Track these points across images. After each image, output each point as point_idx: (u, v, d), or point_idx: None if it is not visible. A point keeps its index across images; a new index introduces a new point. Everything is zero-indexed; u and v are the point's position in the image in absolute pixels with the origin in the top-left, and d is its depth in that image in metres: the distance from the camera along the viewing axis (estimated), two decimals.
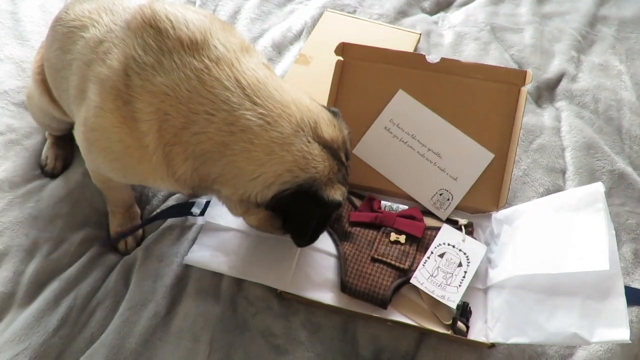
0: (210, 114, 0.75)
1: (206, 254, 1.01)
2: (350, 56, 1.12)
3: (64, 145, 1.18)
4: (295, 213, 0.81)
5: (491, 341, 0.91)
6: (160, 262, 1.03)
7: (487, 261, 1.02)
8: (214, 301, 0.99)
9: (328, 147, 0.81)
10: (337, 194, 0.82)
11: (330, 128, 0.82)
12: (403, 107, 1.10)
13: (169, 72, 0.76)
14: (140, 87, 0.75)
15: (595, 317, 0.77)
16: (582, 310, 0.79)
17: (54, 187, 1.12)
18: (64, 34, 0.87)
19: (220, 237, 1.05)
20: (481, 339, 0.93)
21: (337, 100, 1.13)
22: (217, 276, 1.01)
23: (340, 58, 1.13)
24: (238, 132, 0.75)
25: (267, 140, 0.75)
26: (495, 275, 0.98)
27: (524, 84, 1.06)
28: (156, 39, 0.77)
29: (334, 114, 0.88)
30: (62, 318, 0.95)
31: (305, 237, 0.88)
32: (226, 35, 0.81)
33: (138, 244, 1.09)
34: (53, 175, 1.16)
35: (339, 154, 0.84)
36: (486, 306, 0.97)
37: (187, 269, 1.03)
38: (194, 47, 0.77)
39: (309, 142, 0.78)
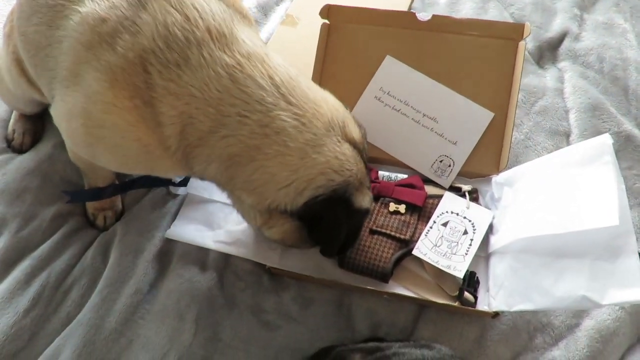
0: (243, 116, 0.69)
1: (190, 228, 0.96)
2: (337, 19, 1.06)
3: (34, 119, 1.10)
4: (327, 221, 0.75)
5: (494, 309, 0.87)
6: (141, 237, 0.98)
7: (488, 227, 0.97)
8: (200, 277, 0.94)
9: (357, 147, 0.77)
10: (365, 200, 0.78)
11: (356, 128, 0.79)
12: (393, 74, 1.04)
13: (197, 70, 0.68)
14: (163, 88, 0.68)
15: (606, 278, 0.73)
16: (591, 272, 0.75)
17: (22, 160, 1.05)
18: (50, 7, 0.75)
19: (204, 209, 1.00)
20: (484, 308, 0.89)
21: (324, 68, 1.06)
22: (203, 250, 0.96)
23: (326, 21, 1.06)
24: (273, 134, 0.70)
25: (302, 143, 0.71)
26: (497, 241, 0.93)
27: (521, 38, 1.00)
28: (183, 28, 0.69)
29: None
30: (34, 297, 0.90)
31: (334, 248, 0.83)
32: (248, 29, 0.75)
33: (118, 219, 1.03)
34: (21, 151, 1.08)
35: (365, 154, 0.80)
36: (488, 274, 0.93)
37: (170, 243, 0.98)
38: (224, 40, 0.70)
39: (339, 142, 0.74)
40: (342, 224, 0.78)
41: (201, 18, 0.70)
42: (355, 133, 0.78)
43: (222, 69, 0.69)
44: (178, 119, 0.70)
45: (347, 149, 0.74)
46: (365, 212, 0.80)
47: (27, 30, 0.80)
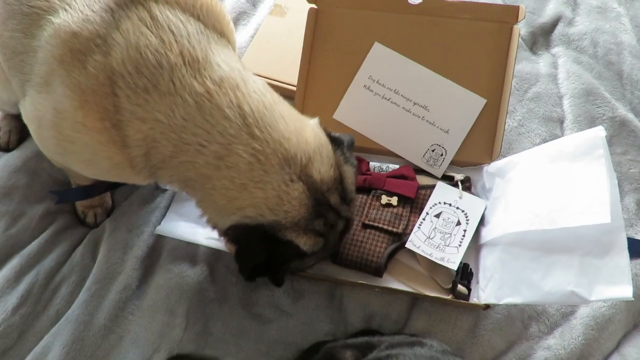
0: (202, 145, 0.70)
1: (180, 224, 0.95)
2: (324, 2, 1.03)
3: (20, 117, 1.07)
4: (244, 245, 0.75)
5: (483, 302, 0.87)
6: (130, 233, 0.97)
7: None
8: (190, 271, 0.94)
9: (314, 188, 0.73)
10: (301, 240, 0.74)
11: (324, 166, 0.74)
12: (381, 61, 1.02)
13: (165, 96, 0.68)
14: (130, 113, 0.69)
15: (594, 274, 0.73)
16: (580, 267, 0.75)
17: (9, 158, 1.04)
18: (25, 14, 0.73)
19: (195, 205, 0.97)
20: (473, 300, 0.88)
21: (312, 57, 1.04)
22: (193, 245, 0.95)
23: (313, 6, 1.03)
24: (224, 168, 0.70)
25: (247, 180, 0.70)
26: (488, 233, 0.92)
27: (516, 21, 0.98)
28: (157, 52, 0.68)
29: (338, 142, 0.79)
30: (23, 295, 0.90)
31: (244, 272, 0.80)
32: (226, 50, 0.74)
33: (108, 215, 1.02)
34: (7, 150, 1.07)
35: (326, 197, 0.75)
36: (478, 266, 0.92)
37: (159, 238, 0.97)
38: (196, 65, 0.69)
39: (292, 180, 0.71)
40: (256, 252, 0.75)
41: (176, 41, 0.69)
42: (319, 172, 0.73)
43: (190, 96, 0.68)
44: (143, 142, 0.71)
45: (296, 189, 0.71)
46: (296, 251, 0.74)
47: (3, 33, 0.79)
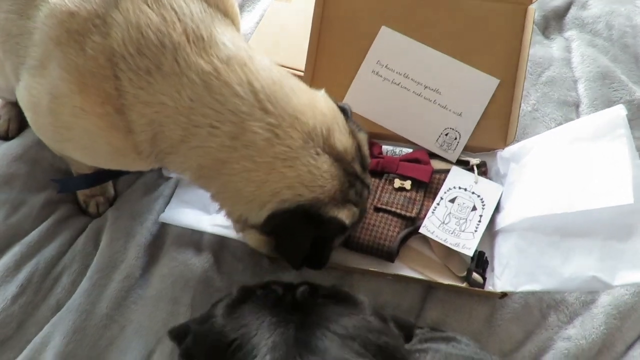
0: (214, 127, 0.66)
1: (185, 211, 0.93)
2: None
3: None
4: (288, 233, 0.70)
5: (499, 290, 0.83)
6: (133, 221, 0.95)
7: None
8: (195, 259, 0.91)
9: (340, 159, 0.70)
10: (342, 214, 0.71)
11: (344, 136, 0.72)
12: (390, 45, 0.99)
13: (169, 77, 0.65)
14: (133, 96, 0.66)
15: (617, 258, 0.70)
16: (602, 252, 0.71)
17: (9, 146, 1.02)
18: None
19: (199, 192, 0.93)
20: (488, 288, 0.85)
21: (320, 42, 1.01)
22: (197, 232, 0.92)
23: None
24: (241, 147, 0.66)
25: (271, 158, 0.66)
26: (503, 219, 0.89)
27: (530, 2, 0.95)
28: (159, 31, 0.65)
29: (345, 112, 0.77)
30: (23, 284, 0.87)
31: (295, 260, 0.76)
32: (230, 29, 0.71)
33: (110, 204, 0.99)
34: (7, 138, 1.05)
35: (353, 166, 0.73)
36: (493, 253, 0.88)
37: (163, 226, 0.95)
38: (201, 44, 0.66)
39: (317, 154, 0.68)
40: (304, 236, 0.72)
41: (179, 20, 0.66)
42: (341, 142, 0.71)
43: (197, 75, 0.65)
44: (149, 127, 0.67)
45: (324, 162, 0.68)
46: (340, 227, 0.72)
47: None
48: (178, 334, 0.60)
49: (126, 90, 0.65)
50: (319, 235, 0.72)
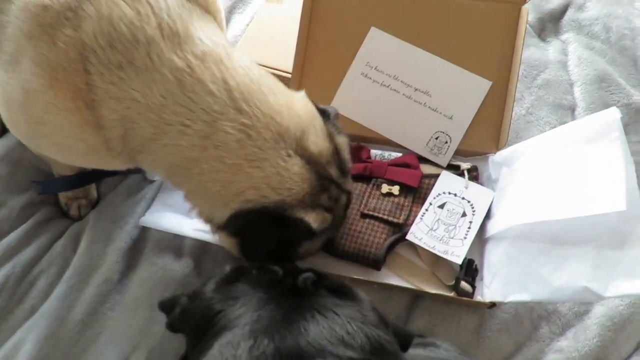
0: (185, 125, 0.65)
1: (166, 215, 0.90)
2: None
3: None
4: (252, 234, 0.69)
5: (487, 300, 0.80)
6: (113, 224, 0.93)
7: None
8: (175, 264, 0.89)
9: (313, 162, 0.68)
10: (310, 217, 0.69)
11: (320, 139, 0.70)
12: (379, 47, 0.97)
13: (141, 72, 0.64)
14: (104, 92, 0.64)
15: (610, 268, 0.67)
16: (595, 261, 0.69)
17: None
18: None
19: (182, 195, 0.93)
20: (477, 297, 0.82)
21: (308, 44, 0.99)
22: (178, 237, 0.90)
23: None
24: (211, 148, 0.65)
25: (240, 159, 0.65)
26: (493, 226, 0.86)
27: (524, 1, 0.92)
28: (132, 24, 0.63)
29: (326, 114, 0.75)
30: None
31: (252, 256, 0.73)
32: (210, 26, 0.70)
33: (93, 207, 0.97)
34: None
35: (328, 170, 0.71)
36: (482, 261, 0.86)
37: (144, 230, 0.92)
38: (176, 40, 0.65)
39: (288, 156, 0.66)
40: (268, 239, 0.70)
41: (154, 13, 0.64)
42: (316, 145, 0.69)
43: (170, 72, 0.63)
44: (119, 123, 0.66)
45: (295, 164, 0.66)
46: (307, 230, 0.69)
47: None
48: (168, 305, 0.59)
49: (97, 85, 0.64)
50: (285, 237, 0.70)
